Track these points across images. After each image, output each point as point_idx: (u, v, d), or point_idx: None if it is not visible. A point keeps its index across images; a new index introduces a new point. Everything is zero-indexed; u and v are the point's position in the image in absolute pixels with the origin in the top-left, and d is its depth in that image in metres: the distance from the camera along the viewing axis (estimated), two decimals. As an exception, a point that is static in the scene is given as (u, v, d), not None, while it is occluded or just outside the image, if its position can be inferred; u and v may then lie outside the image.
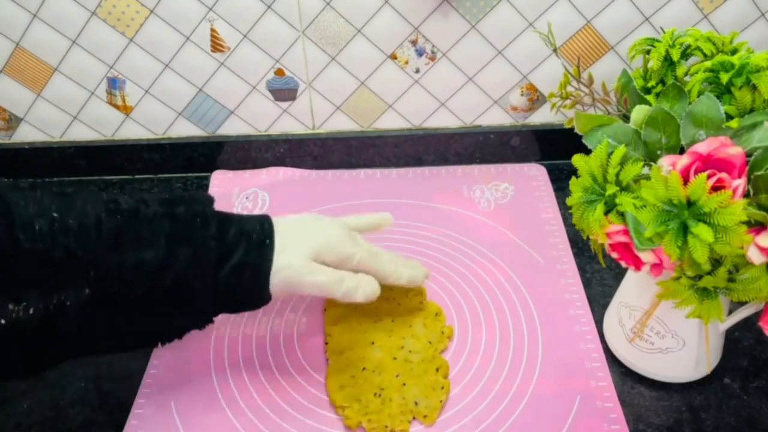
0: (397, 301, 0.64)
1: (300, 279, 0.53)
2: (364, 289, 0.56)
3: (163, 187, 0.84)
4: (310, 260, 0.54)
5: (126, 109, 0.82)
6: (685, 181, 0.42)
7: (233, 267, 0.51)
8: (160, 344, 0.53)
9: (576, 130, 0.51)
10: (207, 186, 0.83)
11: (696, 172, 0.42)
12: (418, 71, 0.78)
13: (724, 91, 0.47)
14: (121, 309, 0.47)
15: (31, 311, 0.43)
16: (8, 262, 0.42)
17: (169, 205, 0.50)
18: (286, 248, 0.53)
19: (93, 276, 0.45)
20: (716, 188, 0.41)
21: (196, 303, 0.50)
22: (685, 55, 0.52)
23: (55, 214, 0.45)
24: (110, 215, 0.47)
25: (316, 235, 0.55)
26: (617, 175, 0.45)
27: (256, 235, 0.52)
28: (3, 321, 0.42)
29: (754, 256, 0.41)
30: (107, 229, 0.46)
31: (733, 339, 0.61)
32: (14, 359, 0.46)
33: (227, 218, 0.53)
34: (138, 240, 0.47)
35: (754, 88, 0.45)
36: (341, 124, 0.83)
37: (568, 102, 0.58)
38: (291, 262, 0.53)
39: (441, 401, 0.56)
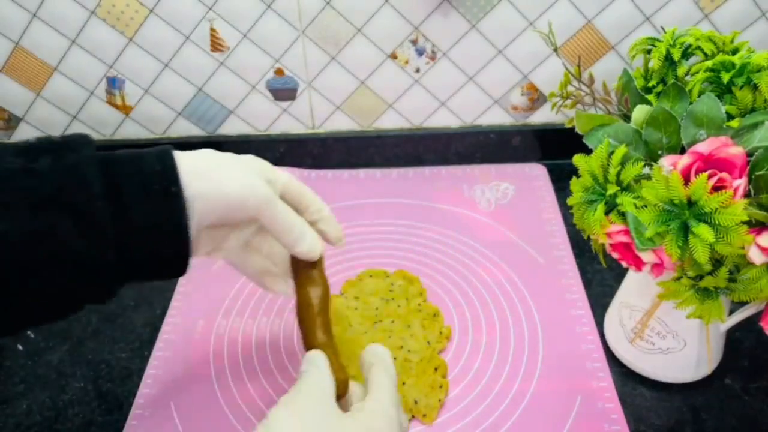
0: (397, 303, 0.64)
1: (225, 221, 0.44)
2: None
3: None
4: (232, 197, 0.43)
5: (125, 109, 0.82)
6: (686, 181, 0.42)
7: (138, 228, 0.39)
8: (48, 322, 0.41)
9: (577, 130, 0.51)
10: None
11: (697, 172, 0.42)
12: (418, 71, 0.78)
13: (725, 91, 0.47)
14: None
15: None
16: None
17: (28, 157, 0.38)
18: (199, 188, 0.42)
19: None
20: (717, 188, 0.41)
21: (96, 276, 0.39)
22: (686, 54, 0.52)
23: None
24: None
25: (231, 171, 0.44)
26: (618, 174, 0.45)
27: (158, 183, 0.40)
28: None
29: (755, 256, 0.41)
30: None
31: (734, 339, 0.61)
32: None
33: (113, 165, 0.39)
34: None
35: (755, 87, 0.45)
36: (341, 123, 0.83)
37: (568, 101, 0.58)
38: (208, 207, 0.42)
39: (440, 400, 0.56)
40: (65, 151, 0.39)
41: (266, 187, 0.44)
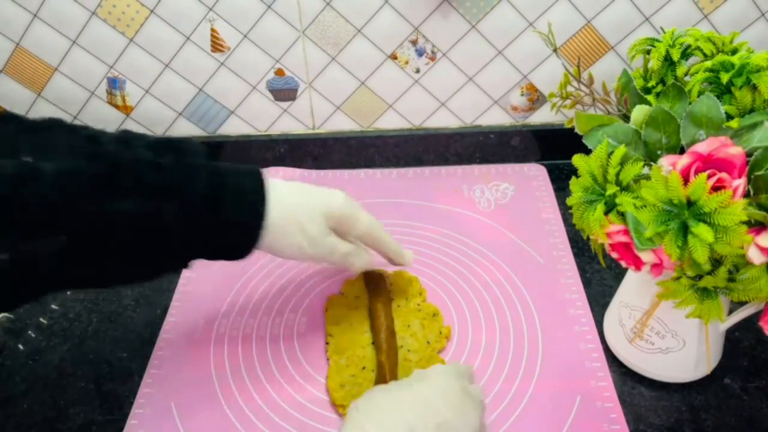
0: (397, 303, 0.64)
1: (285, 241, 0.53)
2: (359, 259, 0.58)
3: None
4: (302, 222, 0.53)
5: (126, 109, 0.82)
6: (686, 181, 0.42)
7: (225, 227, 0.50)
8: (135, 283, 0.52)
9: (576, 130, 0.51)
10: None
11: (696, 172, 0.42)
12: (418, 71, 0.78)
13: (724, 91, 0.47)
14: (100, 255, 0.46)
15: (2, 257, 0.42)
16: None
17: (157, 152, 0.48)
18: (279, 208, 0.52)
19: (69, 223, 0.43)
20: (716, 188, 0.41)
21: (181, 254, 0.50)
22: (686, 55, 0.52)
23: (28, 158, 0.42)
24: (90, 161, 0.44)
25: (317, 196, 0.55)
26: (617, 175, 0.45)
27: (250, 197, 0.51)
28: None
29: (755, 256, 0.41)
30: (87, 176, 0.44)
31: (733, 339, 0.61)
32: None
33: (218, 172, 0.50)
34: (119, 189, 0.45)
35: (755, 88, 0.45)
36: (341, 124, 0.83)
37: (568, 102, 0.58)
38: (281, 225, 0.52)
39: (441, 401, 0.56)
40: (185, 154, 0.49)
41: (312, 245, 0.54)
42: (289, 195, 0.53)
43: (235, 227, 0.50)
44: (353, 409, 0.46)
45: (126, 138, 0.48)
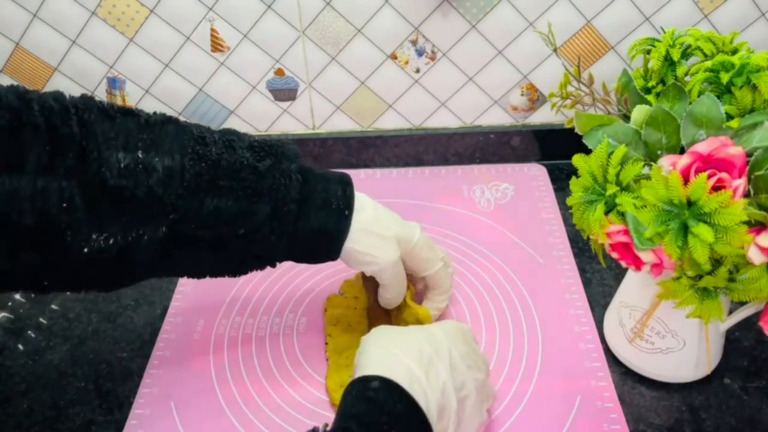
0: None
1: (367, 258, 0.55)
2: (400, 297, 0.59)
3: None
4: (377, 239, 0.55)
5: (126, 109, 0.82)
6: (686, 181, 0.42)
7: (311, 231, 0.53)
8: (223, 276, 0.55)
9: (576, 130, 0.51)
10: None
11: (696, 172, 0.42)
12: (418, 71, 0.78)
13: (724, 91, 0.47)
14: (194, 247, 0.50)
15: (111, 241, 0.46)
16: (94, 197, 0.45)
17: (257, 155, 0.51)
18: (364, 223, 0.55)
19: (171, 216, 0.48)
20: (716, 188, 0.41)
21: (268, 253, 0.54)
22: (686, 54, 0.52)
23: (140, 154, 0.46)
24: (195, 161, 0.48)
25: (397, 222, 0.57)
26: (617, 175, 0.45)
27: (336, 203, 0.53)
28: (86, 249, 0.45)
29: (755, 256, 0.41)
30: (190, 174, 0.48)
31: (733, 339, 0.61)
32: (95, 278, 0.49)
33: (310, 179, 0.54)
34: (218, 188, 0.49)
35: (755, 87, 0.45)
36: (341, 124, 0.83)
37: (568, 102, 0.58)
38: (360, 237, 0.54)
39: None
40: (282, 159, 0.52)
41: (395, 256, 0.56)
42: (373, 210, 0.56)
43: (320, 234, 0.53)
44: (367, 337, 0.51)
45: (229, 139, 0.51)
